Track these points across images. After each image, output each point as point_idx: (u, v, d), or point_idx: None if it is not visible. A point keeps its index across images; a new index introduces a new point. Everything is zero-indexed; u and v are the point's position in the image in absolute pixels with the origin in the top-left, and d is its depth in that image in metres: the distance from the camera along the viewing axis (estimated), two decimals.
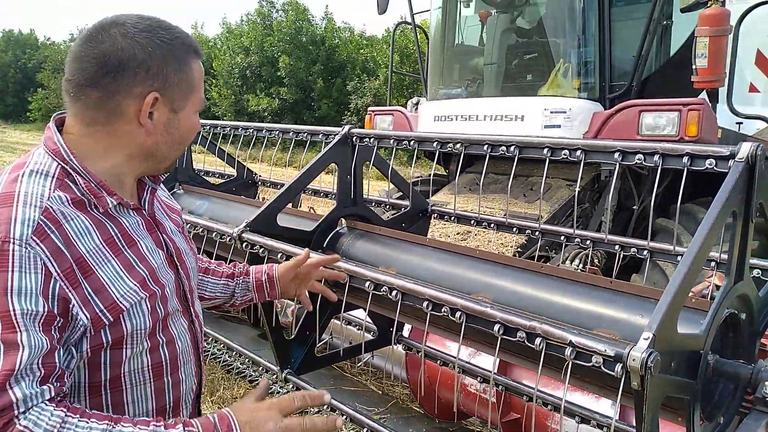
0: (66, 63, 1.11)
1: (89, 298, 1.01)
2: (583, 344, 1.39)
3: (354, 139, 2.67)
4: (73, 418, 0.92)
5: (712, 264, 2.52)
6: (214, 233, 2.79)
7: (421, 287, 1.82)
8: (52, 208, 1.01)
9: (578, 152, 1.86)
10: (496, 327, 1.57)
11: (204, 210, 3.72)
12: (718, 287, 2.44)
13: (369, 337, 3.30)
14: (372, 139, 2.59)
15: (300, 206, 4.49)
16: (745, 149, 1.45)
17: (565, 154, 1.89)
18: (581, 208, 4.74)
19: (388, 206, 3.83)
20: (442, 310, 1.74)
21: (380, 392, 3.62)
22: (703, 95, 4.07)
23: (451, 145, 2.22)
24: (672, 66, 4.46)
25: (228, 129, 4.08)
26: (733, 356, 1.83)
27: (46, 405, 0.91)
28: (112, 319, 1.03)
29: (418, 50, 6.28)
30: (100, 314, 1.02)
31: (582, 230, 3.46)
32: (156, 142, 1.13)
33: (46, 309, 0.94)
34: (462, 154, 2.25)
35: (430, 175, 5.87)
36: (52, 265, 0.97)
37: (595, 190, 4.78)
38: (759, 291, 1.86)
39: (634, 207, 4.63)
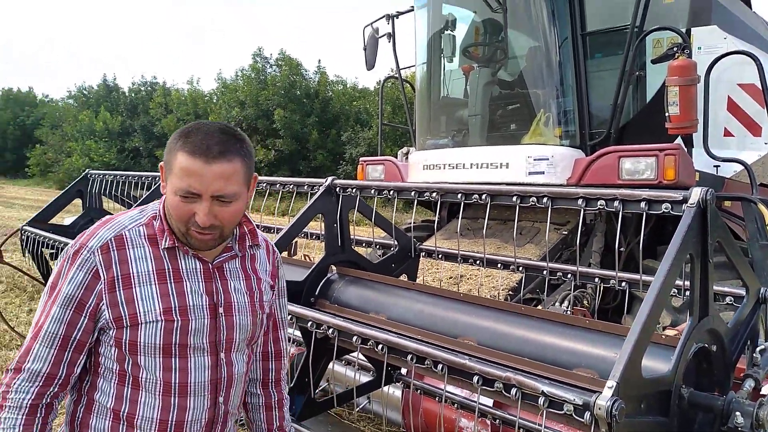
0: None
1: (118, 303, 1.32)
2: (554, 394, 1.47)
3: (337, 189, 2.81)
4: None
5: None
6: None
7: (405, 341, 1.90)
8: (125, 235, 1.35)
9: (545, 199, 2.00)
10: (475, 378, 1.66)
11: None
12: None
13: (368, 378, 3.34)
14: (354, 189, 2.72)
15: (296, 252, 4.58)
16: (696, 194, 1.57)
17: (533, 201, 2.03)
18: (569, 250, 4.85)
19: (377, 246, 3.93)
20: (426, 363, 1.82)
21: None
22: (679, 140, 4.25)
23: (427, 194, 2.35)
24: (648, 113, 4.65)
25: None
26: (709, 388, 1.91)
27: (23, 403, 1.28)
28: (129, 324, 1.32)
29: (405, 103, 6.51)
30: (122, 317, 1.32)
31: (557, 264, 3.59)
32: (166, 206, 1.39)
33: (84, 297, 1.31)
34: (439, 201, 2.38)
35: (423, 221, 6.00)
36: (102, 271, 1.32)
37: (582, 233, 4.90)
38: (729, 322, 1.97)
39: (622, 249, 4.74)
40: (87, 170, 5.81)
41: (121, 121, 32.76)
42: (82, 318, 1.32)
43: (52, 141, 37.00)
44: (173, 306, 1.34)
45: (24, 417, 1.29)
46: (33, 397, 1.30)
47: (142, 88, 35.58)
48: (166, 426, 1.35)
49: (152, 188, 4.61)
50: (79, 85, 39.23)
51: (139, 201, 4.65)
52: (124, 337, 1.33)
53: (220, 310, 1.40)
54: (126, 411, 1.34)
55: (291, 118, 24.91)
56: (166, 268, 1.35)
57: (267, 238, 1.62)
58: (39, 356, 1.30)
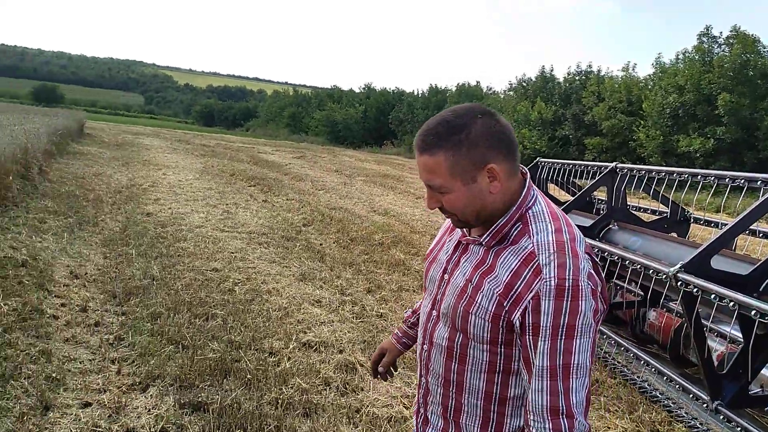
0: None
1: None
2: None
3: None
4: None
5: None
6: (651, 270, 3.11)
7: None
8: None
9: None
10: None
11: (638, 246, 4.13)
12: None
13: None
14: None
15: (735, 247, 4.38)
16: None
17: None
18: None
19: None
20: None
21: None
22: None
23: None
24: None
25: (663, 174, 4.35)
26: None
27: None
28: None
29: None
30: None
31: None
32: None
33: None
34: None
35: None
36: (444, 228, 1.72)
37: None
38: None
39: None
40: (537, 158, 6.68)
41: (554, 110, 34.59)
42: None
43: None
44: (432, 256, 1.70)
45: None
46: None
47: (577, 78, 36.68)
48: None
49: (596, 177, 5.04)
50: (519, 78, 42.81)
51: (583, 189, 5.17)
52: None
53: (445, 276, 1.60)
54: None
55: (739, 103, 22.08)
56: (448, 231, 1.68)
57: (547, 248, 1.32)
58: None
